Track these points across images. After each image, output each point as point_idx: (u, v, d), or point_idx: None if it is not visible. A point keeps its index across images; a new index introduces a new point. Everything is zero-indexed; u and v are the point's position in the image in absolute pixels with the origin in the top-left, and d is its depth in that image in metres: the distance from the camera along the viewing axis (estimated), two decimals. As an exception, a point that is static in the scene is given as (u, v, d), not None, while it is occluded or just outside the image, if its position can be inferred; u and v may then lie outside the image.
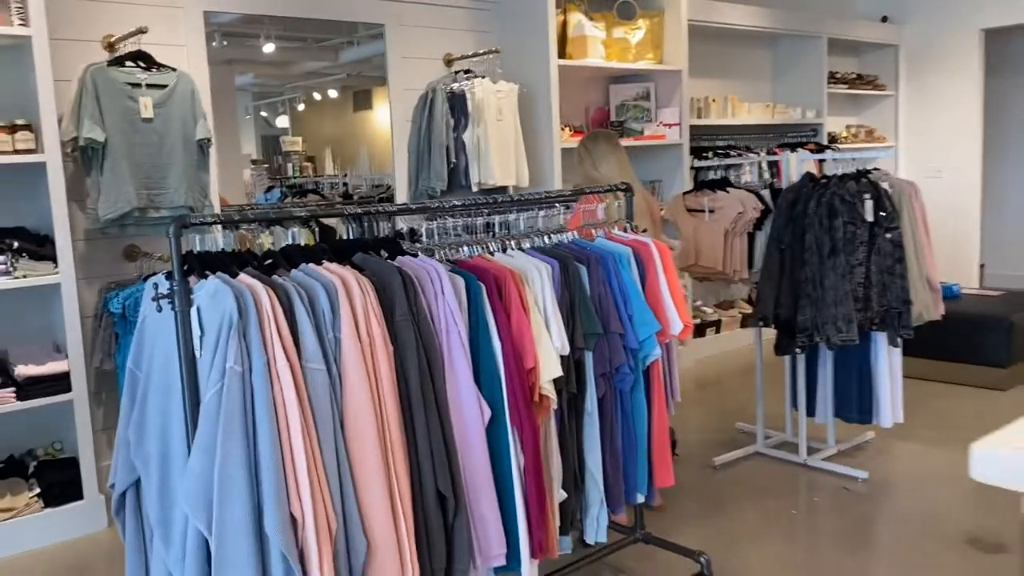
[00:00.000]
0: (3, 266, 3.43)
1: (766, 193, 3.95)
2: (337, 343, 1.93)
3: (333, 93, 5.97)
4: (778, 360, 3.95)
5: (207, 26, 4.23)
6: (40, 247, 3.54)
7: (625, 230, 2.78)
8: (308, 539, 1.82)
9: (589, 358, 2.45)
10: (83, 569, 3.25)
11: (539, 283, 2.32)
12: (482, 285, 2.20)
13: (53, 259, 3.49)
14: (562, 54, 5.34)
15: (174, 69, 3.84)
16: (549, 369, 2.25)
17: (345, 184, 6.58)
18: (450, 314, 2.11)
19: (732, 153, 6.21)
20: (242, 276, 1.92)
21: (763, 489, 3.74)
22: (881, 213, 3.64)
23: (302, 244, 2.22)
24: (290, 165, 7.20)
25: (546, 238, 2.56)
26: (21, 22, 3.36)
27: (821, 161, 4.21)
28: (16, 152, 3.40)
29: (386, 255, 2.20)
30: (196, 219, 1.98)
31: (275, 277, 1.98)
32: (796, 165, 4.62)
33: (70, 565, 3.28)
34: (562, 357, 2.32)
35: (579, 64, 5.36)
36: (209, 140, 3.96)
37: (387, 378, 1.97)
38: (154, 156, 3.75)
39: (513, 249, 2.45)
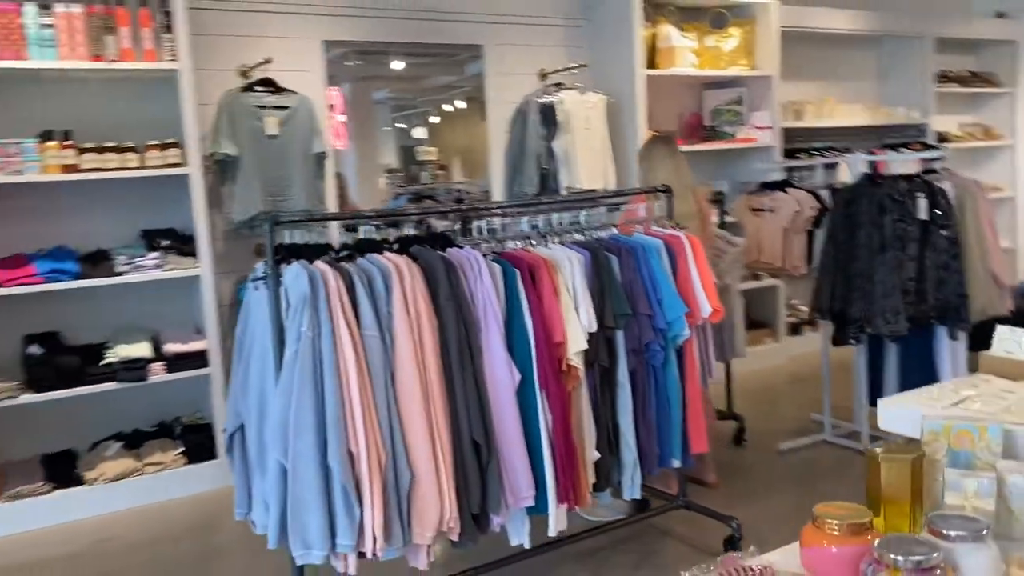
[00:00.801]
0: (155, 261, 4.13)
1: (825, 193, 4.15)
2: (390, 316, 2.41)
3: (462, 104, 6.48)
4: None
5: (342, 48, 4.85)
6: (185, 245, 4.24)
7: (663, 227, 3.13)
8: (362, 471, 2.30)
9: (620, 336, 2.82)
10: (215, 515, 3.88)
11: (569, 270, 2.72)
12: (517, 271, 2.63)
13: (195, 255, 4.16)
14: (652, 64, 5.68)
15: (295, 92, 4.46)
16: (575, 343, 2.65)
17: (458, 190, 7.14)
18: (487, 294, 2.54)
19: (827, 154, 6.33)
20: (317, 262, 2.42)
21: (820, 474, 3.96)
22: (936, 211, 3.79)
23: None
24: (424, 173, 7.84)
25: (584, 234, 2.95)
26: (171, 58, 4.06)
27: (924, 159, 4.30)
28: (166, 166, 4.10)
29: (438, 247, 2.66)
30: (284, 218, 2.50)
31: (344, 263, 2.48)
32: (899, 164, 4.81)
33: (205, 511, 3.92)
34: (592, 334, 2.72)
35: (667, 74, 5.67)
36: (325, 154, 4.56)
37: (430, 345, 2.43)
38: (278, 168, 4.39)
39: (552, 243, 2.86)
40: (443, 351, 2.47)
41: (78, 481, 3.99)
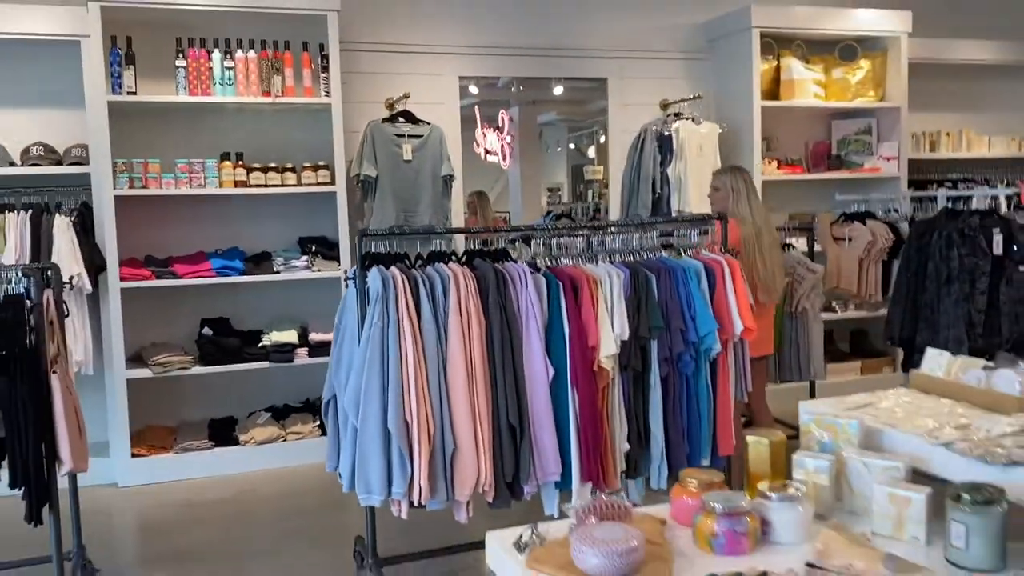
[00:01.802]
0: (305, 262, 4.94)
1: (904, 225, 4.30)
2: (446, 314, 2.96)
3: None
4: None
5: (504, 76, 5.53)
6: (330, 251, 5.01)
7: (711, 252, 3.50)
8: (414, 436, 2.87)
9: (654, 345, 3.23)
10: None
11: (608, 285, 3.16)
12: (560, 283, 3.11)
13: (338, 259, 4.92)
14: (775, 96, 5.94)
15: (428, 123, 5.15)
16: (607, 348, 3.09)
17: (596, 209, 7.64)
18: (531, 301, 3.05)
19: (961, 185, 6.28)
20: (392, 268, 3.02)
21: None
22: (1014, 247, 3.89)
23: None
24: (590, 192, 8.41)
25: (637, 255, 3.38)
26: (326, 94, 4.85)
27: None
28: (318, 184, 4.90)
29: (495, 258, 3.19)
30: (372, 232, 3.13)
31: (414, 270, 3.06)
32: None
33: (331, 476, 4.64)
34: (625, 342, 3.15)
35: (788, 104, 5.90)
36: (452, 176, 5.20)
37: (477, 340, 2.96)
38: (410, 188, 5.08)
39: (601, 261, 3.32)
40: (488, 345, 3.00)
41: (234, 442, 4.85)
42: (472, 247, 3.38)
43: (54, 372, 2.81)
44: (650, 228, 3.53)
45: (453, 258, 3.20)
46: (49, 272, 3.04)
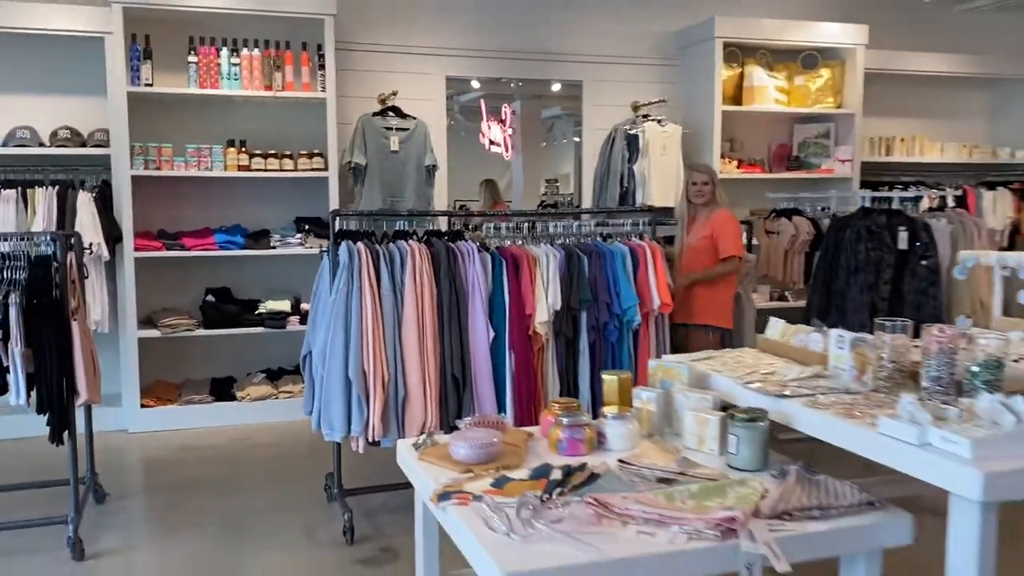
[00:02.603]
0: (300, 240, 5.51)
1: (826, 222, 4.82)
2: (403, 283, 3.53)
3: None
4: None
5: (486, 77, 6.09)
6: (323, 230, 5.57)
7: (640, 236, 4.04)
8: (370, 384, 3.44)
9: (584, 316, 3.79)
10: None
11: (546, 263, 3.71)
12: (503, 260, 3.67)
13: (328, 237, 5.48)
14: (738, 100, 6.46)
15: (415, 118, 5.70)
16: (541, 315, 3.65)
17: (569, 202, 8.18)
18: (476, 275, 3.60)
19: (912, 188, 6.76)
20: (358, 243, 3.58)
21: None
22: (916, 243, 4.40)
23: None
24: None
25: (570, 238, 3.92)
26: (322, 89, 5.41)
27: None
28: (312, 170, 5.46)
29: (449, 238, 3.75)
30: (344, 212, 3.69)
31: (378, 246, 3.62)
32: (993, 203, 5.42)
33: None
34: (559, 312, 3.70)
35: (750, 109, 6.42)
36: (435, 166, 5.75)
37: (429, 305, 3.53)
38: (397, 175, 5.64)
39: (542, 244, 3.87)
40: (438, 310, 3.56)
41: (232, 398, 5.44)
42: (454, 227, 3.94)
43: (74, 320, 3.40)
44: (588, 217, 4.07)
45: (415, 237, 3.76)
46: (72, 239, 3.63)
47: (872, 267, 4.36)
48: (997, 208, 7.02)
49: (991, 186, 7.07)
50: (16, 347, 3.25)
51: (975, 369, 1.93)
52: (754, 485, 1.86)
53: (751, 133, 6.78)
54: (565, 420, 2.18)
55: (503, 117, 9.53)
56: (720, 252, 4.32)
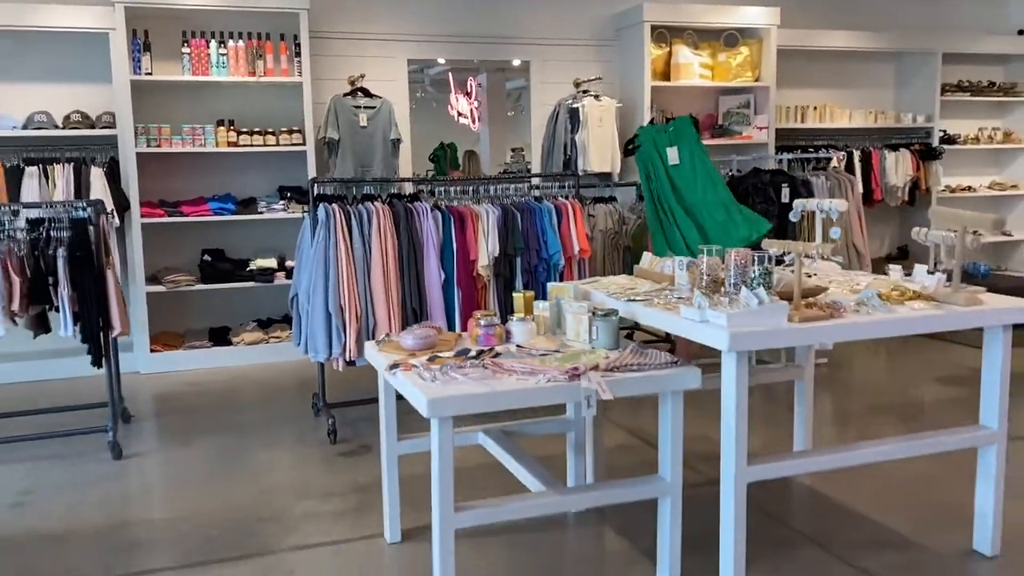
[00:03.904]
0: (283, 206, 6.37)
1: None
2: (370, 235, 4.41)
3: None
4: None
5: (444, 60, 6.90)
6: (303, 197, 6.43)
7: (566, 197, 4.94)
8: (347, 317, 4.33)
9: (519, 261, 4.69)
10: (307, 367, 6.05)
11: (486, 218, 4.61)
12: (451, 216, 4.56)
13: (308, 203, 6.34)
14: (667, 76, 7.34)
15: (381, 97, 6.54)
16: (482, 260, 4.55)
17: (528, 167, 9.04)
18: (430, 229, 4.49)
19: (821, 150, 7.68)
20: (334, 204, 4.46)
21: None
22: (796, 197, 5.32)
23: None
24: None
25: (507, 199, 4.82)
26: (298, 73, 6.24)
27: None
28: (292, 145, 6.31)
29: (408, 200, 4.63)
30: (321, 180, 4.57)
31: (350, 206, 4.50)
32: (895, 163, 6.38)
33: (303, 366, 6.11)
34: (497, 257, 4.60)
35: (675, 84, 7.31)
36: (399, 140, 6.60)
37: (391, 253, 4.42)
38: (366, 148, 6.49)
39: (482, 203, 4.76)
40: (399, 257, 4.45)
41: (228, 343, 6.32)
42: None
43: (108, 269, 4.26)
44: (521, 180, 4.96)
45: (380, 199, 4.64)
46: (98, 206, 4.48)
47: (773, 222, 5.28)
48: (899, 167, 7.99)
49: (894, 147, 8.03)
50: (64, 291, 4.12)
51: (753, 276, 2.84)
52: (600, 353, 2.78)
53: (681, 104, 7.66)
54: (483, 321, 3.08)
55: (468, 90, 10.34)
56: None
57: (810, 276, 3.36)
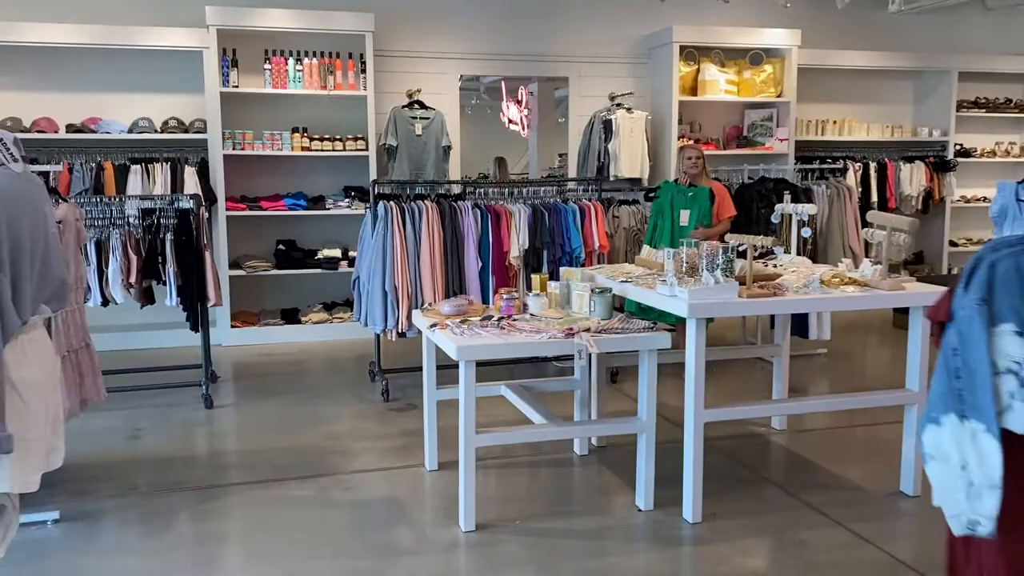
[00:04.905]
0: (347, 203, 7.26)
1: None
2: (420, 229, 5.25)
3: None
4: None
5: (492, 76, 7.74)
6: (365, 195, 7.32)
7: (589, 199, 5.72)
8: (400, 296, 5.18)
9: (545, 253, 5.49)
10: (369, 343, 6.92)
11: (518, 216, 5.42)
12: (488, 214, 5.38)
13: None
14: (695, 92, 8.07)
15: (434, 108, 7.40)
16: (514, 252, 5.37)
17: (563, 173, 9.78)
18: (470, 224, 5.32)
19: (838, 162, 8.29)
20: (391, 202, 5.31)
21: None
22: (797, 205, 6.01)
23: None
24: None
25: (537, 200, 5.62)
26: (364, 87, 7.14)
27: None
28: (356, 150, 7.20)
29: (453, 199, 5.46)
30: (381, 181, 5.43)
31: (404, 204, 5.34)
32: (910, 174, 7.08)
33: (366, 342, 6.99)
34: (526, 250, 5.41)
35: (704, 99, 8.03)
36: (449, 147, 7.45)
37: (438, 244, 5.25)
38: (420, 154, 7.35)
39: (515, 202, 5.57)
40: (444, 247, 5.28)
41: (298, 322, 7.24)
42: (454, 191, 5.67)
43: (205, 251, 5.18)
44: (550, 184, 5.76)
45: (429, 199, 5.49)
46: (197, 199, 5.40)
47: (763, 222, 5.98)
48: (913, 178, 8.58)
49: (910, 160, 8.61)
50: (171, 268, 5.05)
51: (719, 261, 3.58)
52: (593, 320, 3.57)
53: (709, 117, 8.39)
54: (505, 296, 3.88)
55: (520, 98, 11.14)
56: (720, 214, 5.82)
57: (776, 266, 4.09)
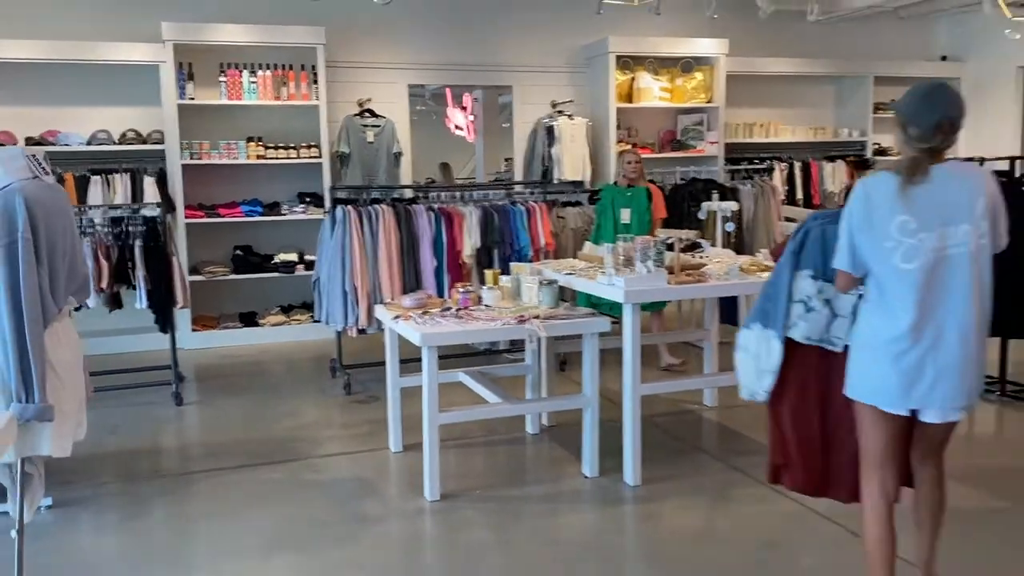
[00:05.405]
0: (302, 209, 7.56)
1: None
2: (377, 231, 5.60)
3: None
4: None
5: (438, 85, 8.10)
6: (319, 201, 7.63)
7: (536, 200, 6.13)
8: (359, 294, 5.52)
9: (495, 251, 5.88)
10: (326, 343, 7.23)
11: (470, 217, 5.80)
12: (441, 216, 5.75)
13: (323, 207, 7.54)
14: (631, 99, 8.55)
15: (385, 117, 7.74)
16: (466, 251, 5.75)
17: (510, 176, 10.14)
18: (424, 225, 5.69)
19: (765, 162, 8.85)
20: (348, 207, 5.65)
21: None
22: (721, 202, 6.51)
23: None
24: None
25: (487, 202, 6.01)
26: (316, 97, 7.45)
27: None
28: (311, 158, 7.51)
29: (407, 203, 5.83)
30: (337, 187, 5.76)
31: (361, 207, 5.69)
32: (832, 172, 7.57)
33: (324, 342, 7.28)
34: (478, 248, 5.80)
35: (639, 106, 8.52)
36: (400, 153, 7.80)
37: (395, 245, 5.61)
38: (373, 160, 7.69)
39: (466, 204, 5.95)
40: (400, 248, 5.64)
41: (256, 325, 7.51)
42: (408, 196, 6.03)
43: (172, 256, 5.46)
44: (498, 188, 6.17)
45: (384, 202, 5.84)
46: (163, 207, 5.67)
47: (693, 219, 6.46)
48: (835, 176, 9.19)
49: (831, 159, 9.23)
50: (140, 272, 5.32)
51: (651, 253, 4.02)
52: (542, 309, 3.97)
53: (645, 123, 8.89)
54: (461, 289, 4.27)
55: (465, 104, 11.49)
56: (654, 215, 6.25)
57: (702, 257, 4.56)
